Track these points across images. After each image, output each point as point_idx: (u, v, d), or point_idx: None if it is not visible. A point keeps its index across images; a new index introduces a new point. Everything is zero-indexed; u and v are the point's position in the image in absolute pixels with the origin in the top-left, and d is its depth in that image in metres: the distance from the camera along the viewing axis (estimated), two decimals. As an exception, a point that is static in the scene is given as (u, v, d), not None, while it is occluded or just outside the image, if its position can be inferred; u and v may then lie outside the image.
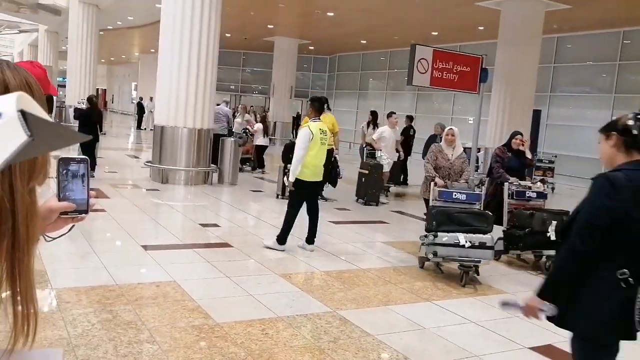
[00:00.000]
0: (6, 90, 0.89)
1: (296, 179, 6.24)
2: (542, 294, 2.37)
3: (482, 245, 5.57)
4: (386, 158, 10.74)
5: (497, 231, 6.36)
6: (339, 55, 28.40)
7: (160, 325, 4.00)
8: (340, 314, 4.54)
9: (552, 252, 6.07)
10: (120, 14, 22.62)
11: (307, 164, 6.21)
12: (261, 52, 27.43)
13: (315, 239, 6.50)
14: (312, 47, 25.95)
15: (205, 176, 11.20)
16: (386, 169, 10.61)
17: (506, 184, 6.86)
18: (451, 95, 20.76)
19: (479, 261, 5.59)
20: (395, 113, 11.59)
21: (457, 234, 5.57)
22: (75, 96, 20.74)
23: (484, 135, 13.42)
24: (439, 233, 5.60)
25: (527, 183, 7.13)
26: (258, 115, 15.56)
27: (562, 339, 3.74)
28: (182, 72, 10.58)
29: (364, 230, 7.99)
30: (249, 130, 14.14)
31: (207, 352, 3.64)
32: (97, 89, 24.22)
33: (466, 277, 5.57)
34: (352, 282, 5.43)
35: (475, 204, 6.12)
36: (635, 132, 2.30)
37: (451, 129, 6.75)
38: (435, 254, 5.62)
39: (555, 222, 6.20)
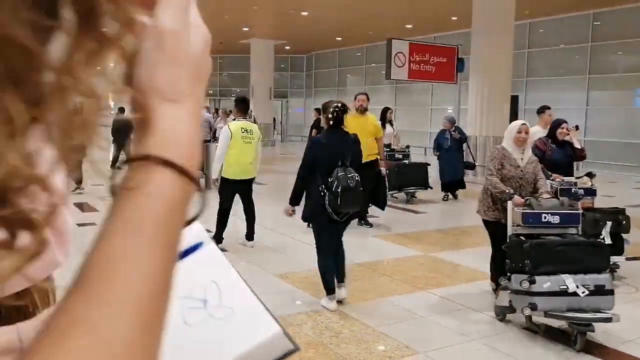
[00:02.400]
0: None
1: (222, 177, 6.45)
2: (290, 203, 4.74)
3: (599, 290, 3.96)
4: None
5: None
6: (316, 53, 28.48)
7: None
8: (340, 309, 4.64)
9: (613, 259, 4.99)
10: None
11: (231, 162, 6.40)
12: (238, 55, 27.40)
13: (254, 235, 6.70)
14: (288, 47, 26.00)
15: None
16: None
17: (547, 181, 5.67)
18: (429, 86, 20.97)
19: (599, 318, 3.92)
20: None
21: (563, 276, 3.96)
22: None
23: (465, 124, 13.59)
24: (537, 277, 3.97)
25: (572, 179, 6.13)
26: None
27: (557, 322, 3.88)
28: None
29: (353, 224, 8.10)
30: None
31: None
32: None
33: (581, 339, 3.87)
34: (349, 277, 5.53)
35: (572, 227, 4.47)
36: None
37: (524, 124, 4.96)
38: (534, 308, 3.94)
39: (610, 222, 5.37)
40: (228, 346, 0.54)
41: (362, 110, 7.51)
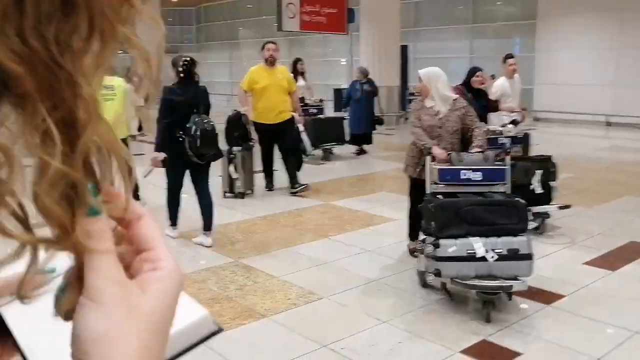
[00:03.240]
0: None
1: None
2: (157, 150, 4.86)
3: (514, 255, 3.55)
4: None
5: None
6: (205, 5, 27.43)
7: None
8: (243, 262, 4.64)
9: (541, 209, 5.13)
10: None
11: None
12: (120, 9, 25.76)
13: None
14: (175, -1, 24.83)
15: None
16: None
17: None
18: (322, 37, 20.95)
19: (511, 286, 3.53)
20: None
21: (472, 239, 3.58)
22: None
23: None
24: (441, 241, 3.61)
25: (496, 127, 5.84)
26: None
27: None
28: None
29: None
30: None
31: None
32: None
33: (490, 309, 3.55)
34: (250, 231, 5.53)
35: (498, 184, 4.03)
36: None
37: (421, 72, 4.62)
38: (438, 274, 3.65)
39: (541, 171, 5.22)
40: None
41: (272, 62, 6.87)
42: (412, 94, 14.34)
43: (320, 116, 9.73)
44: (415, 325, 3.51)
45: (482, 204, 3.74)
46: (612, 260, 4.61)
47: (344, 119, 9.91)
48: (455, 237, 3.60)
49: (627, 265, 4.51)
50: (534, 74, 15.20)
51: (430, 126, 4.37)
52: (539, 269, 3.86)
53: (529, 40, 16.25)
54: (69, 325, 0.35)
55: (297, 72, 9.55)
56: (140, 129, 7.41)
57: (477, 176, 3.97)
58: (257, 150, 6.96)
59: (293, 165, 7.09)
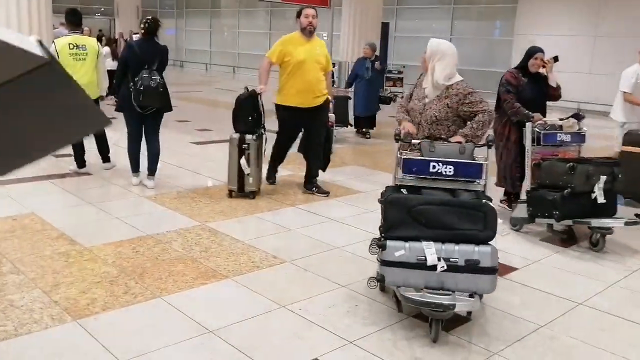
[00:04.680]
0: None
1: None
2: (111, 93, 6.28)
3: (472, 267, 3.03)
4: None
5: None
6: (187, -29, 26.92)
7: (23, 256, 3.90)
8: (209, 226, 4.70)
9: (604, 223, 4.43)
10: None
11: None
12: (100, -30, 25.18)
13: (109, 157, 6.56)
14: (156, -37, 24.29)
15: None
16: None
17: (528, 124, 4.88)
18: (304, 11, 20.77)
19: (453, 305, 2.91)
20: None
21: (424, 243, 3.07)
22: None
23: (338, 50, 13.76)
24: (389, 242, 3.12)
25: (555, 120, 5.07)
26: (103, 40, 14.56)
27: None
28: (9, -8, 9.52)
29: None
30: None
31: (79, 274, 3.65)
32: None
33: (435, 327, 3.00)
34: (218, 197, 5.58)
35: (474, 182, 3.42)
36: None
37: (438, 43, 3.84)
38: (381, 280, 3.16)
39: (605, 177, 4.43)
40: None
41: (311, 31, 5.58)
42: (390, 72, 14.41)
43: None
44: (374, 291, 3.61)
45: (441, 204, 3.15)
46: None
47: (349, 98, 9.16)
48: (405, 239, 3.10)
49: None
50: (511, 58, 15.35)
51: (413, 110, 3.83)
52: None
53: (509, 24, 16.38)
54: None
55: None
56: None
57: (449, 170, 3.36)
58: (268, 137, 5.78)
59: (319, 161, 5.91)
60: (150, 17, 5.68)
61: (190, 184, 5.99)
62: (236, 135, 5.49)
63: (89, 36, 6.99)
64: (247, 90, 5.59)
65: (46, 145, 0.62)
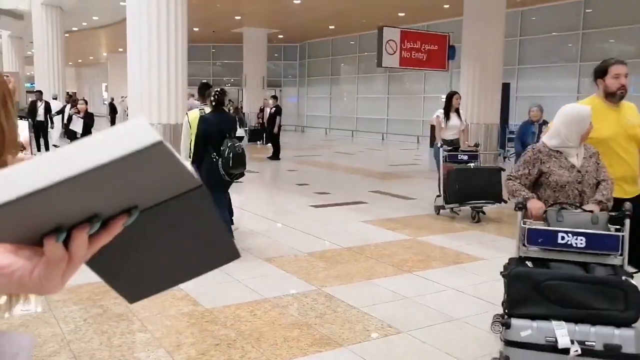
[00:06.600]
0: None
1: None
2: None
3: (613, 353, 2.69)
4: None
5: None
6: (309, 42, 28.39)
7: (151, 315, 4.11)
8: (325, 291, 4.70)
9: None
10: (85, 14, 22.30)
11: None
12: (231, 44, 27.29)
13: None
14: (281, 36, 25.91)
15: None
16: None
17: None
18: (422, 74, 20.96)
19: None
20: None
21: (554, 323, 2.77)
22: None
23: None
24: (513, 320, 2.85)
25: None
26: (231, 107, 15.61)
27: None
28: (152, 69, 10.57)
29: (342, 211, 8.14)
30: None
31: (199, 335, 3.77)
32: (68, 93, 23.87)
33: None
34: (334, 261, 5.59)
35: (609, 255, 3.02)
36: None
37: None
38: None
39: None
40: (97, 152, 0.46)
41: (622, 96, 3.87)
42: (512, 132, 13.95)
43: (471, 164, 7.72)
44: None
45: (572, 279, 2.81)
46: None
47: (502, 170, 7.64)
48: (532, 317, 2.81)
49: None
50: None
51: (568, 183, 3.29)
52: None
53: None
54: None
55: (450, 108, 8.11)
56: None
57: (580, 242, 2.98)
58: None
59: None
60: (219, 89, 5.87)
61: (308, 247, 6.07)
62: None
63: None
64: None
65: (178, 276, 0.59)
